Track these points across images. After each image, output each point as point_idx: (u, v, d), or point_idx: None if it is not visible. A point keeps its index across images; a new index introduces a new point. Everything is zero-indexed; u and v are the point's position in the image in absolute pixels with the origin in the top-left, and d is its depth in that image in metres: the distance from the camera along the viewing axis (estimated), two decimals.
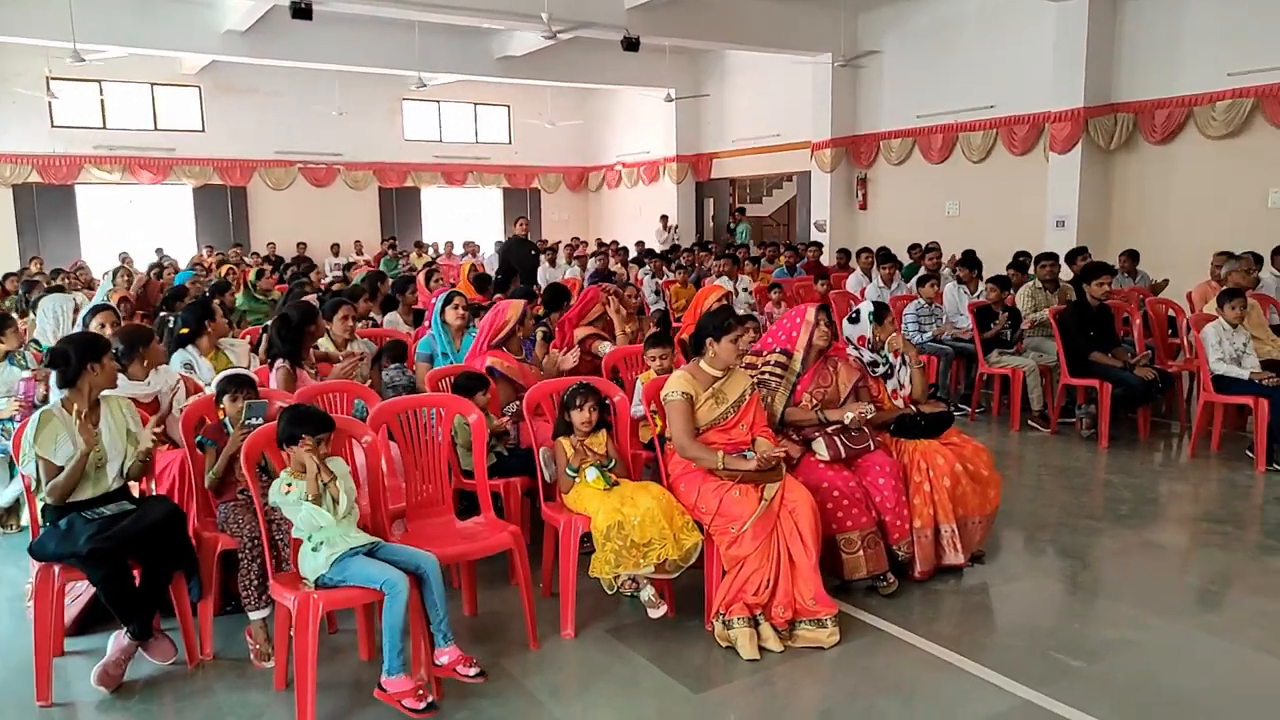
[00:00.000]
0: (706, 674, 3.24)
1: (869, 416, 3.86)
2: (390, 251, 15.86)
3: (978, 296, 7.47)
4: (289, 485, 2.99)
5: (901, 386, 4.33)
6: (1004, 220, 12.13)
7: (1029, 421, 6.67)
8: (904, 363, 4.31)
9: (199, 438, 3.50)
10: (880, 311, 4.34)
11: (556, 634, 3.50)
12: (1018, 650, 3.35)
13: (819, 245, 11.56)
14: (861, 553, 3.77)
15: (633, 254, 13.76)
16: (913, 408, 4.24)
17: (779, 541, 3.46)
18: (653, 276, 10.80)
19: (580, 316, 5.07)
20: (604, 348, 4.91)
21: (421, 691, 2.88)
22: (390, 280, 7.57)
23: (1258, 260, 7.60)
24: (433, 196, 19.76)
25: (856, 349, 4.34)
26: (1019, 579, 4.02)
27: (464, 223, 19.48)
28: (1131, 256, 9.27)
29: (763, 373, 4.09)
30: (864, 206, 14.63)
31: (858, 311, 4.42)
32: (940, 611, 3.69)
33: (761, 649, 3.33)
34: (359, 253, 17.33)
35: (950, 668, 3.23)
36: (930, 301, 7.47)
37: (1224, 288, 6.36)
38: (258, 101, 17.28)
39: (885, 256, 9.22)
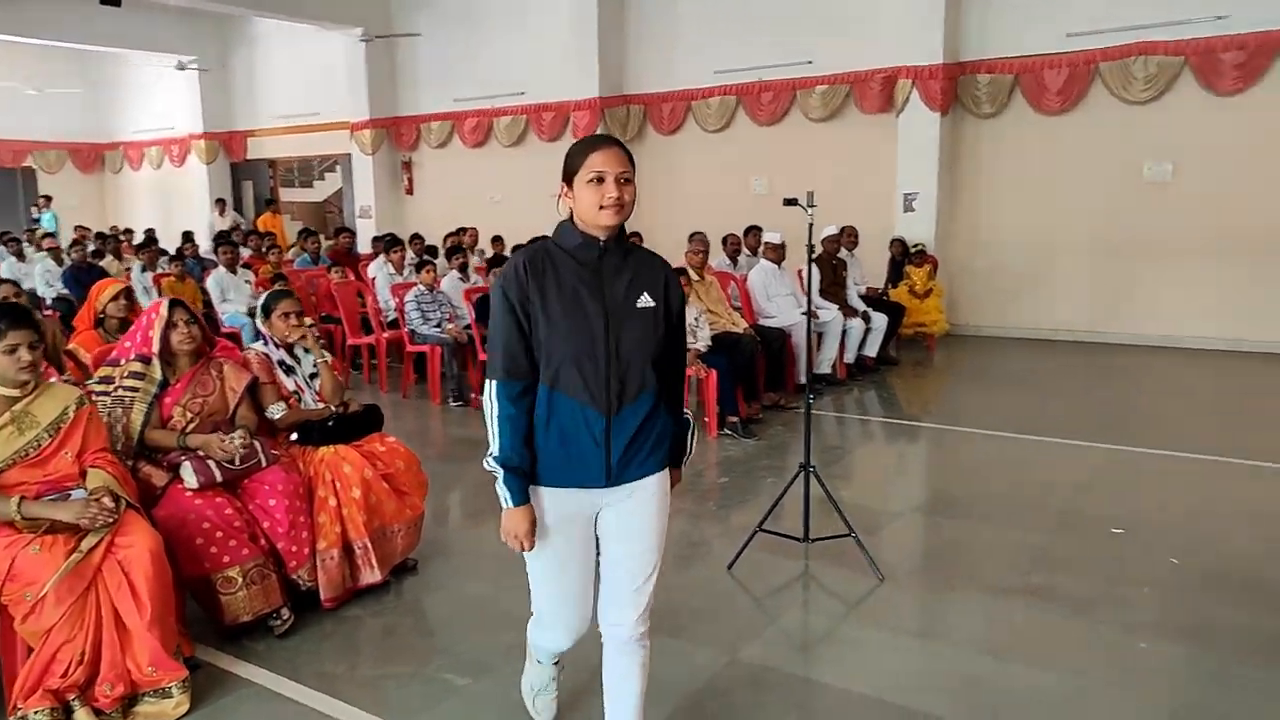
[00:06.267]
0: None
1: (238, 444, 3.27)
2: None
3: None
4: None
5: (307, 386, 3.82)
6: (539, 205, 12.28)
7: None
8: (308, 354, 3.83)
9: None
10: (269, 303, 3.79)
11: None
12: (403, 678, 3.01)
13: (350, 231, 10.80)
14: (244, 591, 3.21)
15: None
16: (331, 408, 3.77)
17: (100, 602, 2.75)
18: (144, 270, 9.28)
19: None
20: None
21: None
22: None
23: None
24: None
25: (265, 344, 3.78)
26: (443, 588, 3.73)
27: None
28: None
29: (119, 387, 3.34)
30: (410, 191, 14.12)
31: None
32: (338, 645, 3.25)
33: None
34: None
35: (320, 718, 2.79)
36: (431, 288, 7.14)
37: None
38: None
39: (393, 241, 8.80)
